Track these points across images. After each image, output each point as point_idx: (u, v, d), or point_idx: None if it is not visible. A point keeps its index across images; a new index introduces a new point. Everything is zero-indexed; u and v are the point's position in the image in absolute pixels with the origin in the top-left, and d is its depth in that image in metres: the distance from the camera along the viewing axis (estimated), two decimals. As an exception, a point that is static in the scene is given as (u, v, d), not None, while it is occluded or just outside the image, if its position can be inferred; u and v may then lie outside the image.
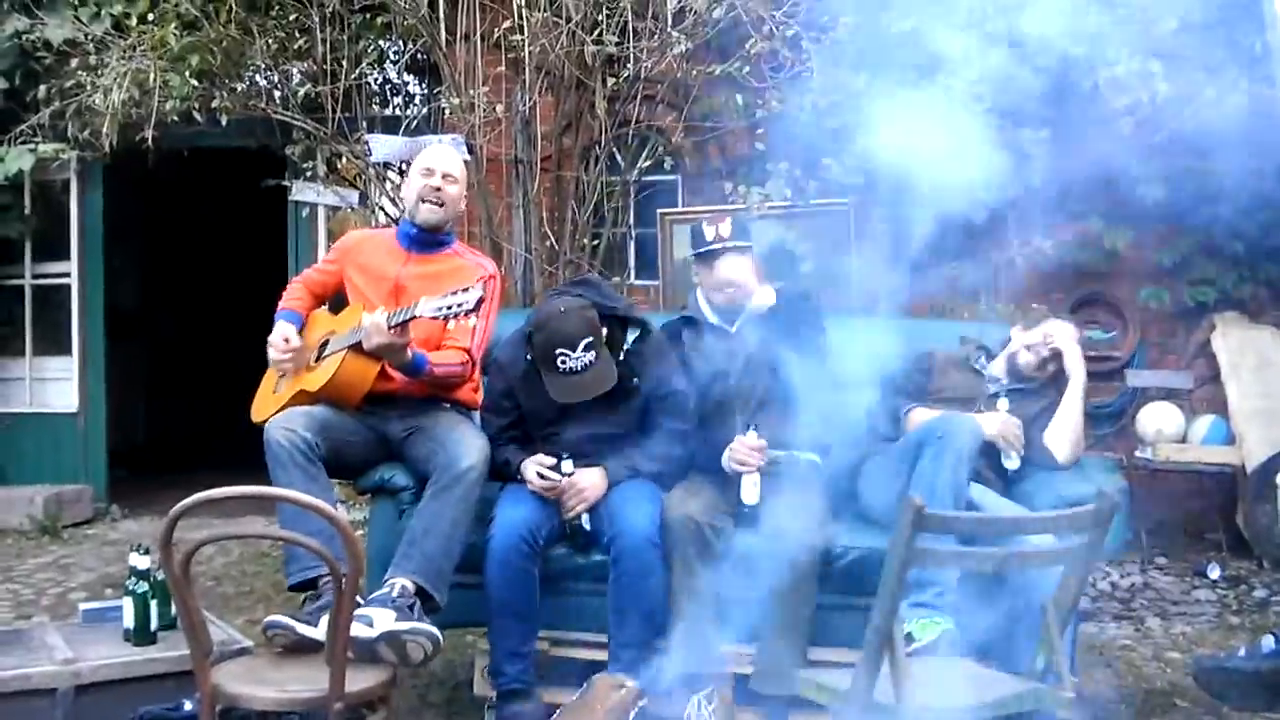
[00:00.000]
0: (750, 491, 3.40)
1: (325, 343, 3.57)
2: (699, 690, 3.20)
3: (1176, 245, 5.86)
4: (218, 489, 2.52)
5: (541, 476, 3.38)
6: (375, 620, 2.92)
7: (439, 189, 3.63)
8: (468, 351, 3.51)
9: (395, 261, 3.65)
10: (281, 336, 3.62)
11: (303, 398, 3.48)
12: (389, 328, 3.25)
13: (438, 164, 3.68)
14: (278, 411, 3.43)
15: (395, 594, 3.07)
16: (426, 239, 3.66)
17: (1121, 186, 5.35)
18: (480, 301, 3.19)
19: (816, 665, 3.09)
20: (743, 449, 3.40)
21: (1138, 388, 5.75)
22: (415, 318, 3.24)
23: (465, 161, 5.53)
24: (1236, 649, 3.73)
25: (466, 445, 3.34)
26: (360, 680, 2.66)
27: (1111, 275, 6.04)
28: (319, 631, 2.90)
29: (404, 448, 3.50)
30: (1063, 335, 3.73)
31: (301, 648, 2.91)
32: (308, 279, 3.84)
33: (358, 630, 2.77)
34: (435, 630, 3.00)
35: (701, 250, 3.66)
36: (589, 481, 3.41)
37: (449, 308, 3.18)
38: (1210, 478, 5.59)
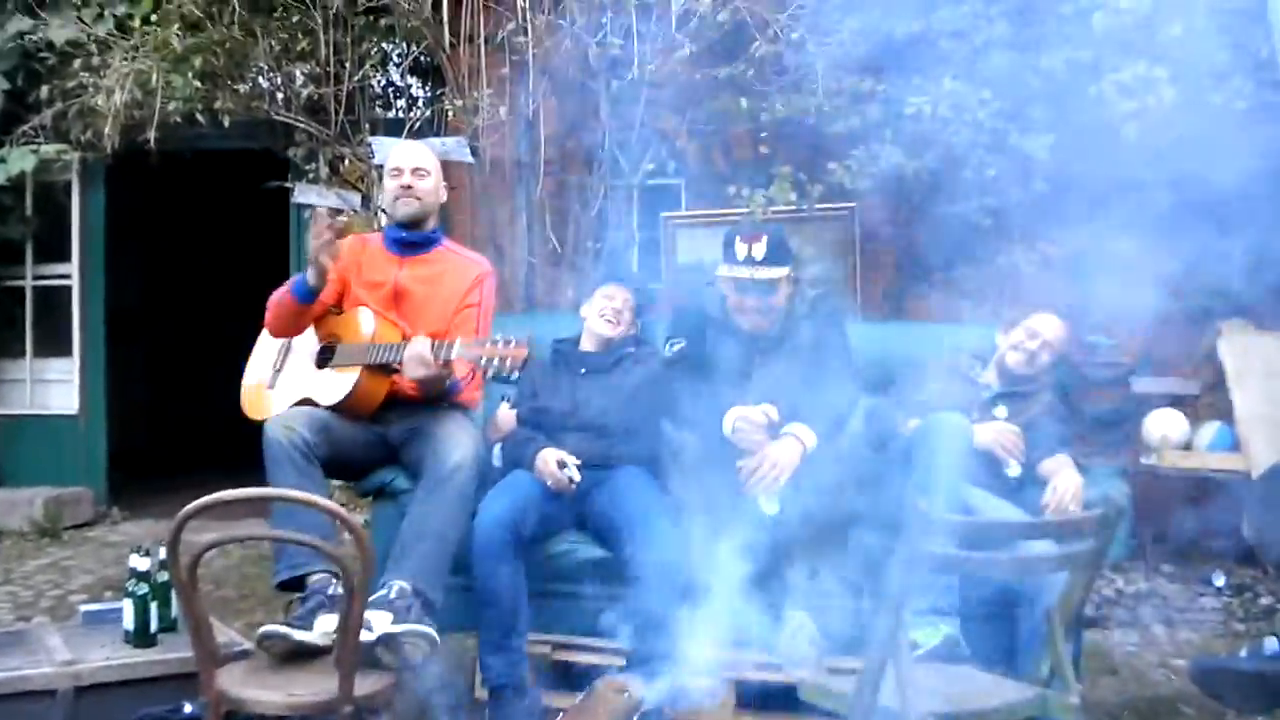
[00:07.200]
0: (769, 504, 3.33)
1: (330, 348, 3.54)
2: None
3: (1183, 251, 5.83)
4: (226, 491, 2.51)
5: (561, 465, 3.43)
6: (374, 623, 2.92)
7: (410, 186, 3.60)
8: None
9: (390, 266, 3.62)
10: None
11: (307, 404, 3.47)
12: (435, 360, 3.24)
13: (405, 161, 3.64)
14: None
15: (393, 595, 3.07)
16: (414, 239, 3.64)
17: (1127, 191, 5.34)
18: (525, 363, 3.17)
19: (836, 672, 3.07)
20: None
21: (1143, 394, 5.73)
22: (453, 359, 3.24)
23: (469, 163, 5.60)
24: (1237, 650, 3.70)
25: (455, 443, 3.34)
26: (366, 684, 2.65)
27: (1117, 281, 6.01)
28: (314, 635, 2.90)
29: (402, 451, 3.50)
30: (1048, 328, 3.72)
31: (298, 653, 2.90)
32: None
33: (357, 634, 2.76)
34: (432, 631, 3.00)
35: (729, 268, 3.46)
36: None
37: (484, 358, 3.15)
38: (1215, 484, 5.56)
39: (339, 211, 3.90)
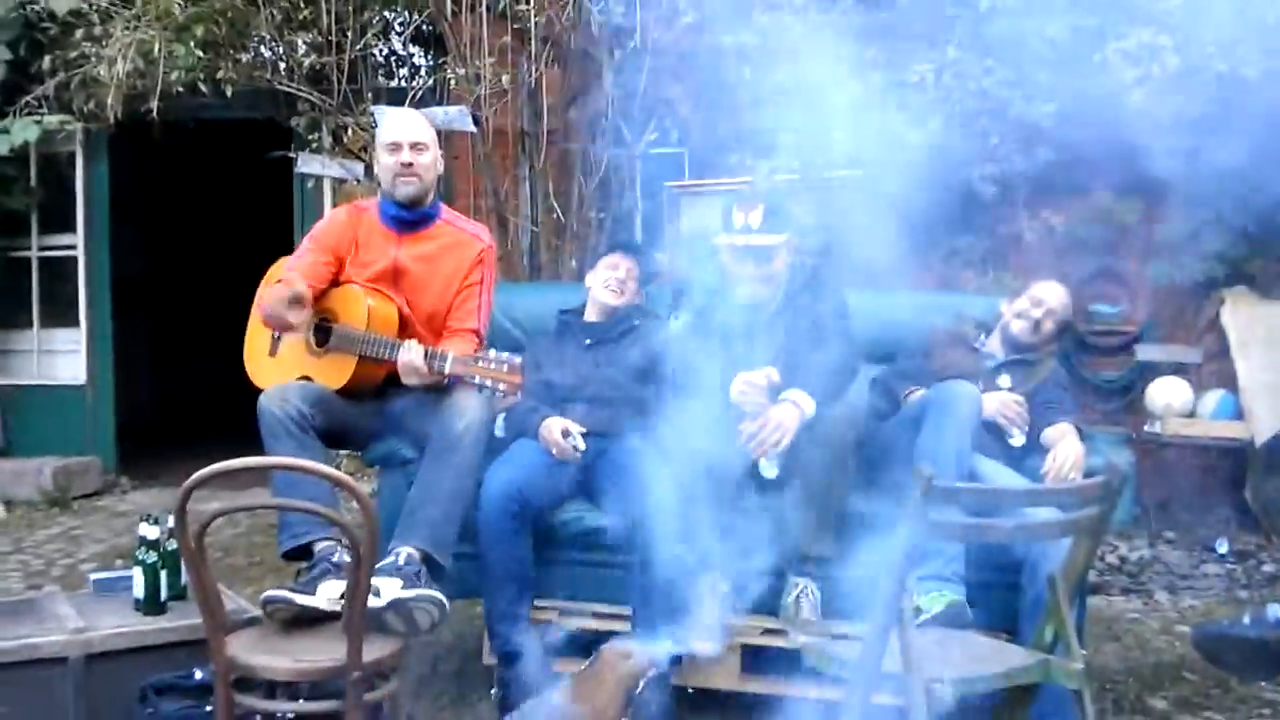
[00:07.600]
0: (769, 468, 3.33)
1: (326, 326, 3.52)
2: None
3: (1187, 220, 5.82)
4: (232, 461, 2.50)
5: (566, 434, 3.44)
6: (382, 589, 2.92)
7: (410, 164, 3.49)
8: (476, 333, 3.52)
9: (388, 244, 3.54)
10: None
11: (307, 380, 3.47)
12: (428, 369, 3.26)
13: (403, 135, 3.51)
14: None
15: (401, 562, 3.07)
16: (412, 217, 3.56)
17: (1131, 160, 5.32)
18: (517, 389, 3.22)
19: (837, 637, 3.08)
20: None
21: (1146, 362, 5.73)
22: (445, 374, 3.25)
23: (471, 132, 5.58)
24: (1240, 617, 3.71)
25: (462, 409, 3.32)
26: (374, 650, 2.66)
27: (1121, 249, 6.01)
28: (318, 600, 2.90)
29: (408, 421, 3.50)
30: (1052, 296, 3.72)
31: (303, 619, 2.91)
32: (313, 274, 3.52)
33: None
34: (441, 596, 3.00)
35: (727, 236, 3.48)
36: None
37: (479, 378, 3.20)
38: (1219, 452, 5.58)
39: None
